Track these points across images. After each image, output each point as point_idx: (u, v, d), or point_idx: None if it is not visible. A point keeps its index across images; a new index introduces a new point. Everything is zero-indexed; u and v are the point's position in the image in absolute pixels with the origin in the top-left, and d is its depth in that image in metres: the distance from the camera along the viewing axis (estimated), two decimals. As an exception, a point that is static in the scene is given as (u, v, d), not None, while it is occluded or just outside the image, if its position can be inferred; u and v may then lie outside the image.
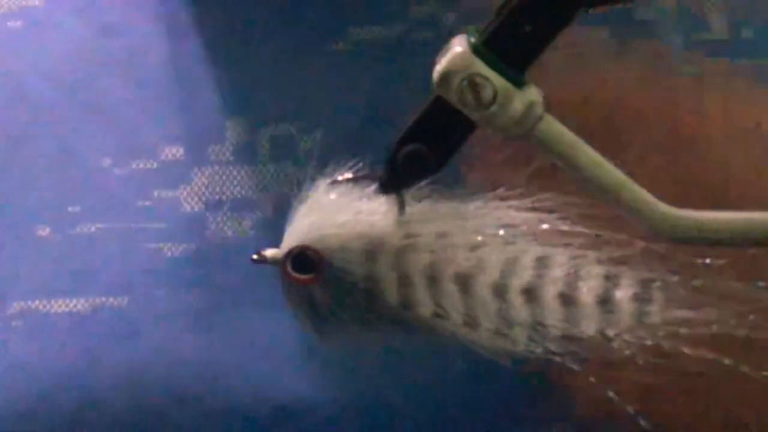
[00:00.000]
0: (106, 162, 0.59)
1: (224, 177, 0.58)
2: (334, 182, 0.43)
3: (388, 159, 0.41)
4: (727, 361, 0.40)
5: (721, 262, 0.41)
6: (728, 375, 0.41)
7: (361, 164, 0.43)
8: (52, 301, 0.57)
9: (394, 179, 0.41)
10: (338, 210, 0.43)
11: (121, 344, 0.56)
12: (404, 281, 0.42)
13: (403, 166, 0.41)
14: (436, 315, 0.42)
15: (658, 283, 0.41)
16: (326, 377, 0.54)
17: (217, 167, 0.59)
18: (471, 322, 0.41)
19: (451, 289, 0.41)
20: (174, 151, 0.59)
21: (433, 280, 0.42)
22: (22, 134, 0.60)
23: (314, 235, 0.42)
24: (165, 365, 0.56)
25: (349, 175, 0.43)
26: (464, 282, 0.41)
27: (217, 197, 0.58)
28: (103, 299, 0.57)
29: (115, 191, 0.59)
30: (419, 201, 0.43)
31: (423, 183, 0.41)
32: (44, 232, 0.58)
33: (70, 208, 0.58)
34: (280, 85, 0.59)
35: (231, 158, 0.58)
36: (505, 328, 0.41)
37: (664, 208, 0.40)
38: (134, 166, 0.59)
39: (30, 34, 0.62)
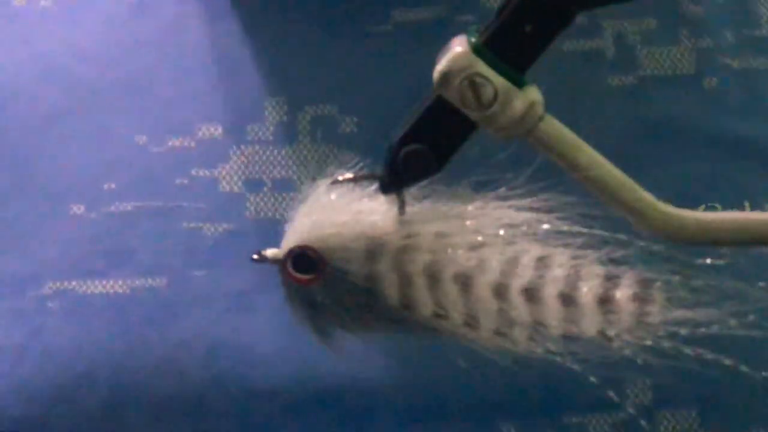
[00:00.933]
0: (142, 140, 0.57)
1: (263, 157, 0.57)
2: (335, 182, 0.43)
3: (388, 159, 0.41)
4: (727, 362, 0.40)
5: (721, 262, 0.41)
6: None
7: (361, 164, 0.43)
8: (88, 282, 0.55)
9: (395, 179, 0.41)
10: (339, 210, 0.43)
11: (160, 326, 0.54)
12: (405, 281, 0.42)
13: (404, 166, 0.41)
14: (437, 315, 0.42)
15: (658, 283, 0.41)
16: (369, 359, 0.52)
17: (256, 146, 0.57)
18: (471, 322, 0.41)
19: (451, 289, 0.41)
20: (212, 130, 0.57)
21: (433, 279, 0.42)
22: (56, 112, 0.58)
23: (315, 234, 0.42)
24: (205, 348, 0.54)
25: (349, 174, 0.43)
26: (465, 282, 0.41)
27: (256, 177, 0.57)
28: (141, 280, 0.55)
29: (152, 169, 0.57)
30: (419, 201, 0.43)
31: (423, 183, 0.41)
32: (79, 210, 0.57)
33: (105, 186, 0.57)
34: (321, 66, 0.58)
35: (270, 137, 0.57)
36: (506, 328, 0.41)
37: (664, 208, 0.41)
38: (171, 144, 0.57)
39: (62, 13, 0.61)
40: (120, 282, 0.55)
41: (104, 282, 0.55)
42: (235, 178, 0.56)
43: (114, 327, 0.54)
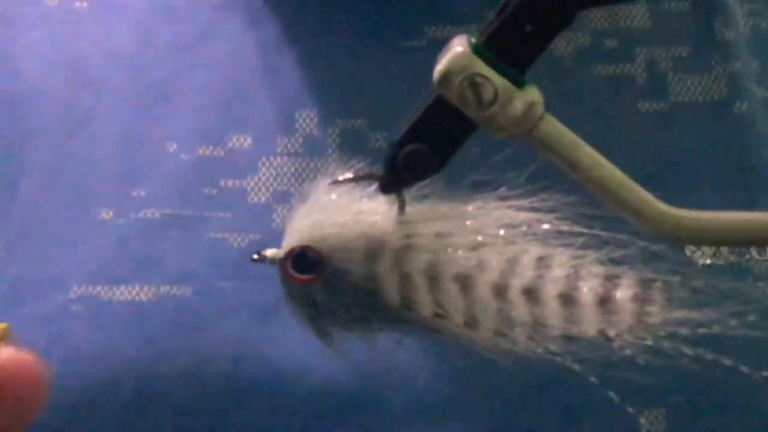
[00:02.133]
0: (173, 147, 0.57)
1: (292, 169, 0.57)
2: (335, 182, 0.43)
3: (388, 159, 0.41)
4: (726, 362, 0.40)
5: (720, 262, 0.41)
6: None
7: (361, 164, 0.43)
8: (114, 288, 0.55)
9: (395, 179, 0.41)
10: (339, 210, 0.43)
11: (184, 336, 0.54)
12: (405, 281, 0.42)
13: (404, 166, 0.41)
14: (437, 315, 0.42)
15: (658, 283, 0.41)
16: (393, 374, 0.52)
17: (285, 158, 0.57)
18: (471, 322, 0.41)
19: (451, 289, 0.41)
20: (242, 141, 0.57)
21: (433, 280, 0.42)
22: (87, 116, 0.58)
23: (315, 235, 0.42)
24: (228, 359, 0.53)
25: (349, 174, 0.43)
26: (464, 282, 0.41)
27: (284, 188, 0.57)
28: (167, 288, 0.55)
29: (181, 177, 0.57)
30: (419, 201, 0.43)
31: (423, 183, 0.41)
32: (107, 215, 0.56)
33: (134, 193, 0.57)
34: (353, 80, 0.58)
35: (300, 150, 0.57)
36: (506, 328, 0.41)
37: (664, 208, 0.40)
38: (201, 152, 0.57)
39: (96, 16, 0.61)
40: (145, 289, 0.55)
41: (129, 289, 0.55)
42: (263, 190, 0.56)
43: (138, 334, 0.54)
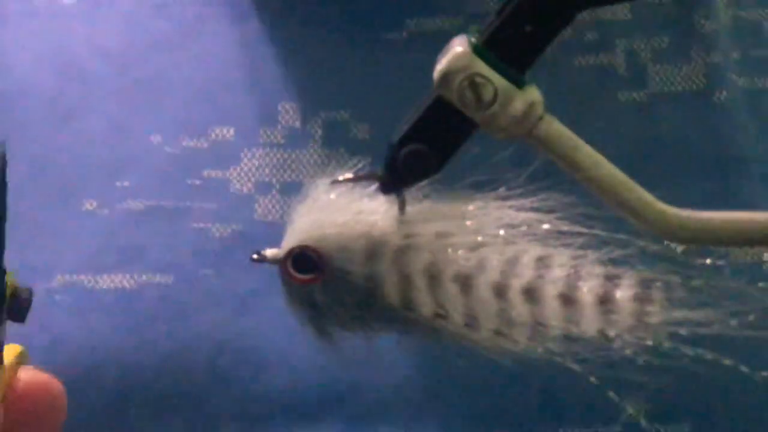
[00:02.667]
0: (157, 139, 0.58)
1: (274, 160, 0.57)
2: (335, 182, 0.43)
3: (388, 159, 0.41)
4: (727, 362, 0.40)
5: (721, 262, 0.41)
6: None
7: (361, 164, 0.43)
8: (97, 277, 0.56)
9: (395, 179, 0.41)
10: (339, 209, 0.42)
11: (166, 324, 0.55)
12: (405, 281, 0.42)
13: (404, 167, 0.41)
14: (437, 315, 0.42)
15: (658, 284, 0.41)
16: (373, 363, 0.53)
17: (268, 149, 0.58)
18: (471, 322, 0.41)
19: (451, 289, 0.41)
20: (225, 132, 0.58)
21: (433, 280, 0.42)
22: (74, 109, 0.59)
23: (315, 234, 0.42)
24: (210, 348, 0.54)
25: (349, 174, 0.43)
26: (465, 282, 0.41)
27: (267, 179, 0.57)
28: (150, 276, 0.56)
29: (165, 168, 0.58)
30: (419, 201, 0.43)
31: (423, 182, 0.41)
32: (91, 205, 0.57)
33: (118, 183, 0.58)
34: (335, 72, 0.58)
35: (282, 141, 0.58)
36: (506, 328, 0.41)
37: (664, 208, 0.40)
38: (185, 144, 0.58)
39: (83, 10, 0.61)
40: (128, 277, 0.55)
41: (113, 277, 0.56)
42: (245, 180, 0.57)
43: (121, 322, 0.55)
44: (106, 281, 0.56)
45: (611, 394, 0.41)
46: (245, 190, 0.57)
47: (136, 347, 0.54)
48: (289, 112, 0.58)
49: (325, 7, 0.59)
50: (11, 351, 0.43)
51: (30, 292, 0.42)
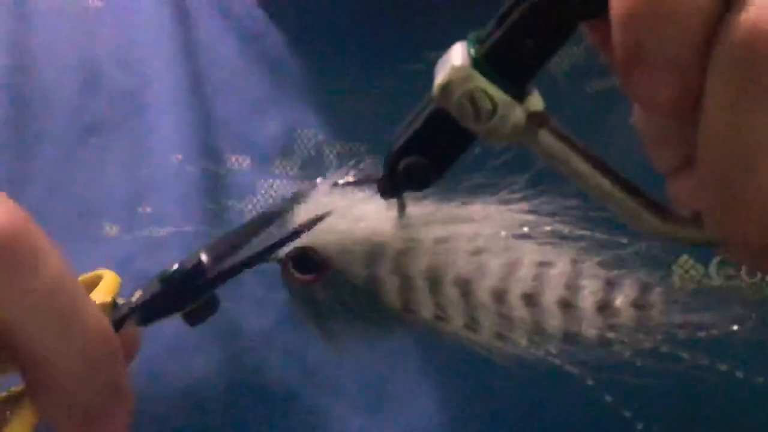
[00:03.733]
0: (179, 158, 0.57)
1: (290, 190, 0.56)
2: (336, 184, 0.43)
3: (387, 168, 0.41)
4: (723, 368, 0.40)
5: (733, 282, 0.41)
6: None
7: (363, 167, 0.43)
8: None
9: (394, 188, 0.41)
10: (340, 212, 0.42)
11: (181, 357, 0.54)
12: (406, 284, 0.42)
13: (403, 178, 0.40)
14: (438, 318, 0.42)
15: (658, 288, 0.41)
16: (384, 408, 0.53)
17: (284, 180, 0.57)
18: (472, 325, 0.42)
19: (452, 292, 0.42)
20: (241, 161, 0.57)
21: (434, 283, 0.42)
22: (96, 124, 0.58)
23: (316, 237, 0.42)
24: (224, 384, 0.53)
25: (350, 177, 0.43)
26: (465, 286, 0.42)
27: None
28: None
29: (186, 191, 0.56)
30: (420, 202, 0.42)
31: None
32: (112, 230, 0.56)
33: (140, 209, 0.57)
34: (353, 103, 0.57)
35: (298, 172, 0.57)
36: (506, 331, 0.42)
37: (666, 209, 0.40)
38: (204, 165, 0.57)
39: (110, 16, 0.60)
40: None
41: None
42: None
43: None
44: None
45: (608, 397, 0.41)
46: None
47: (151, 380, 0.53)
48: (305, 142, 0.57)
49: (344, 38, 0.58)
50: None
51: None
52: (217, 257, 0.41)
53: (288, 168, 0.57)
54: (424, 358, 0.53)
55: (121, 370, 0.40)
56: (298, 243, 0.43)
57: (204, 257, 0.41)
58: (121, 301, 0.43)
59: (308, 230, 0.41)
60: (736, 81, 0.32)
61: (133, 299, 0.42)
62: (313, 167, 0.57)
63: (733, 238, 0.35)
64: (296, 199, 0.43)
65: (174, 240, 0.56)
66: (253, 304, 0.54)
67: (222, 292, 0.51)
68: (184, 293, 0.41)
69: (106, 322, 0.39)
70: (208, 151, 0.57)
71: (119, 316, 0.42)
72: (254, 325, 0.54)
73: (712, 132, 0.34)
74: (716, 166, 0.34)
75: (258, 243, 0.42)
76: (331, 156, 0.57)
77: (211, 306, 0.42)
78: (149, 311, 0.42)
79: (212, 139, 0.57)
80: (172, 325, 0.52)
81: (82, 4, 0.60)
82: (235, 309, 0.54)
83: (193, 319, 0.42)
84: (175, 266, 0.41)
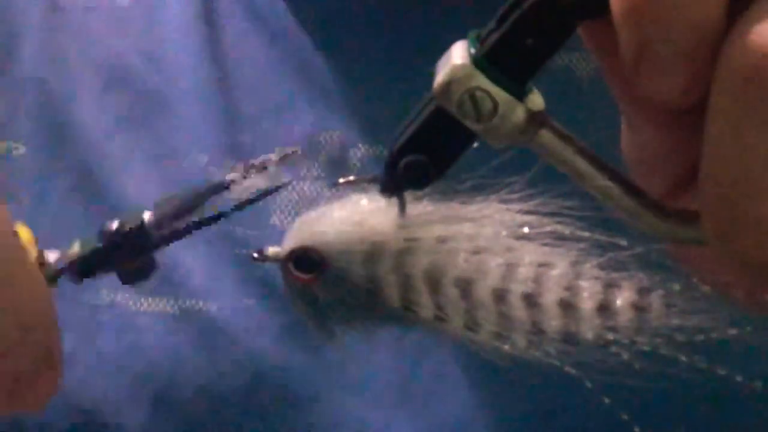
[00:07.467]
0: (203, 158, 0.57)
1: (314, 193, 0.56)
2: (336, 184, 0.43)
3: (387, 167, 0.41)
4: (722, 372, 0.40)
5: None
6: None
7: (362, 167, 0.43)
8: (141, 299, 0.55)
9: (394, 186, 0.41)
10: (340, 211, 0.43)
11: (206, 350, 0.54)
12: (405, 284, 0.42)
13: (404, 176, 0.40)
14: (438, 317, 0.42)
15: (658, 291, 0.41)
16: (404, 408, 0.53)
17: (308, 182, 0.57)
18: (472, 325, 0.42)
19: (452, 292, 0.42)
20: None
21: (434, 283, 0.42)
22: (122, 120, 0.58)
23: (316, 236, 0.42)
24: (248, 378, 0.54)
25: (351, 177, 0.43)
26: (465, 286, 0.42)
27: (305, 211, 0.57)
28: (191, 302, 0.55)
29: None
30: (420, 201, 0.42)
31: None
32: None
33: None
34: (378, 105, 0.57)
35: (321, 174, 0.57)
36: (506, 331, 0.42)
37: (668, 209, 0.40)
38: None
39: (137, 14, 0.60)
40: (171, 302, 0.54)
41: (156, 300, 0.55)
42: (286, 213, 0.56)
43: (160, 345, 0.54)
44: (150, 304, 0.55)
45: (606, 400, 0.41)
46: (285, 223, 0.56)
47: (174, 373, 0.54)
48: (329, 144, 0.57)
49: (366, 40, 0.58)
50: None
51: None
52: (160, 219, 0.40)
53: (313, 170, 0.57)
54: (447, 356, 0.53)
55: (55, 334, 0.38)
56: (298, 242, 0.43)
57: (146, 217, 0.40)
58: (54, 255, 0.41)
59: (260, 201, 0.41)
60: (741, 98, 0.32)
61: (70, 252, 0.41)
62: (337, 168, 0.57)
63: (735, 257, 0.35)
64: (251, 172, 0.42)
65: (199, 238, 0.56)
66: (279, 300, 0.54)
67: (247, 288, 0.51)
68: (124, 251, 0.40)
69: (43, 284, 0.38)
70: (233, 151, 0.57)
71: (53, 271, 0.40)
72: (280, 321, 0.54)
73: (717, 150, 0.33)
74: (721, 186, 0.34)
75: (205, 210, 0.41)
76: (355, 158, 0.57)
77: (148, 268, 0.41)
78: (86, 267, 0.41)
79: (237, 138, 0.57)
80: (198, 316, 0.53)
81: (110, 1, 0.60)
82: (261, 305, 0.54)
83: (128, 278, 0.41)
84: (116, 222, 0.40)
